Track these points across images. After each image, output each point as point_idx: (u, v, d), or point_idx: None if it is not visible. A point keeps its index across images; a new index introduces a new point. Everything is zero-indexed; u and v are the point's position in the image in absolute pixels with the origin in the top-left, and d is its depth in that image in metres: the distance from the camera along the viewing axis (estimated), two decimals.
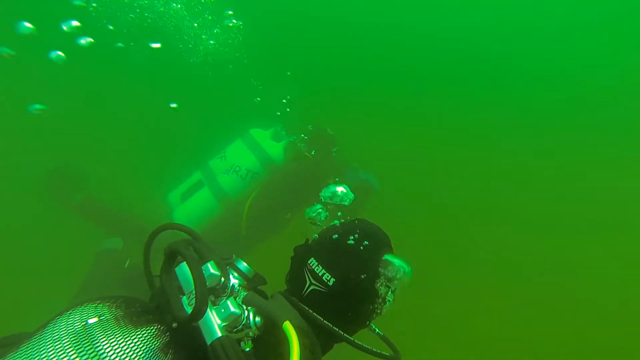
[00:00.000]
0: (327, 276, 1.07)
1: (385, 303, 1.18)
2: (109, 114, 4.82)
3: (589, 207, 4.98)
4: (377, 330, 1.26)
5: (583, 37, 6.64)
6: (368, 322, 1.17)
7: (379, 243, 1.14)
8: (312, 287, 1.09)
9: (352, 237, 1.13)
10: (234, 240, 2.94)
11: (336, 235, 1.14)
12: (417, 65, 6.16)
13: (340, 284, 1.06)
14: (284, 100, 3.40)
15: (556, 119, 5.90)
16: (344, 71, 5.90)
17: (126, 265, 2.83)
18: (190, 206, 2.96)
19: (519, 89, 6.22)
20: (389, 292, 1.20)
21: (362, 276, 1.08)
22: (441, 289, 3.96)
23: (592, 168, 5.32)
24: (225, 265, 1.01)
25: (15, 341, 0.85)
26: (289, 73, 4.17)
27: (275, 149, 3.04)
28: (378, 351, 1.11)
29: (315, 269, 1.09)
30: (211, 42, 4.12)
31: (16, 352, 0.79)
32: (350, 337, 1.07)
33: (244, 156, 3.03)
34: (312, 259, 1.11)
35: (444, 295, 3.96)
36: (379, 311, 1.18)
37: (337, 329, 1.06)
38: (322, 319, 1.05)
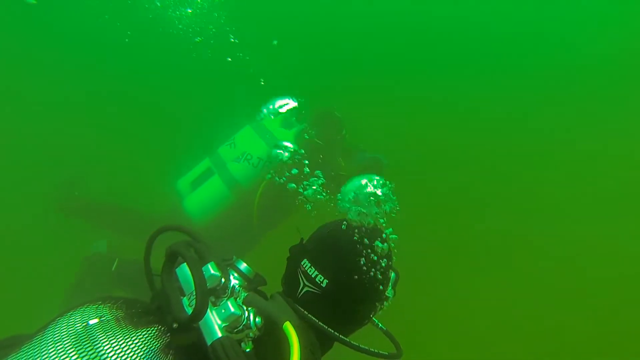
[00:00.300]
0: (320, 278, 1.07)
1: (382, 302, 1.18)
2: (111, 101, 4.77)
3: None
4: (380, 325, 1.26)
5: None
6: (365, 322, 1.17)
7: (372, 242, 1.13)
8: (306, 289, 1.08)
9: (344, 237, 1.12)
10: (246, 228, 2.91)
11: (329, 235, 1.14)
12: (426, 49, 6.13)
13: (333, 286, 1.06)
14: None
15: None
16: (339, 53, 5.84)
17: (113, 269, 2.78)
18: (202, 194, 2.90)
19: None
20: (389, 290, 1.19)
21: (355, 277, 1.07)
22: (444, 284, 3.96)
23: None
24: (226, 266, 1.01)
25: (15, 342, 0.85)
26: (274, 42, 4.07)
27: (286, 136, 2.99)
28: (375, 350, 1.10)
29: (308, 271, 1.09)
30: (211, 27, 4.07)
31: (17, 353, 0.79)
32: (345, 338, 1.07)
33: (255, 143, 2.98)
34: (305, 260, 1.10)
35: (446, 289, 3.95)
36: (375, 310, 1.17)
37: (332, 330, 1.05)
38: (316, 321, 1.05)
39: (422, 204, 4.35)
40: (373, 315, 1.18)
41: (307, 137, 2.99)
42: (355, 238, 1.11)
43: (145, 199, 3.23)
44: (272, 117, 3.14)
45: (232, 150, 3.02)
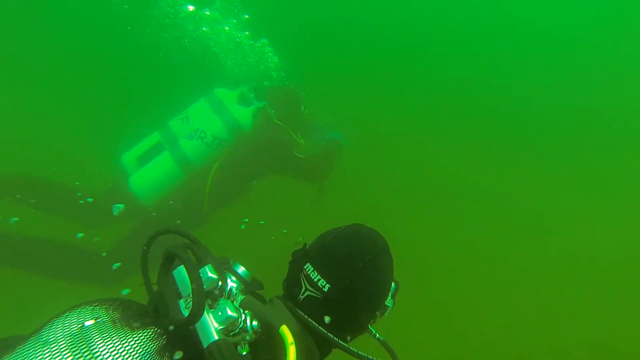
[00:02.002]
0: (322, 282, 1.06)
1: (383, 310, 1.18)
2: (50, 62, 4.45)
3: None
4: (377, 335, 1.26)
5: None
6: (363, 330, 1.17)
7: (376, 249, 1.13)
8: (307, 293, 1.08)
9: (348, 243, 1.12)
10: (195, 208, 2.77)
11: (332, 241, 1.14)
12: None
13: (335, 291, 1.06)
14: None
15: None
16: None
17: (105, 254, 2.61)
18: (150, 172, 2.70)
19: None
20: (388, 298, 1.19)
21: (358, 283, 1.07)
22: (444, 292, 3.95)
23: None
24: (223, 269, 1.01)
25: (10, 343, 0.84)
26: (246, 16, 3.95)
27: (244, 114, 2.80)
28: (373, 358, 1.10)
29: (310, 275, 1.09)
30: None
31: (12, 354, 0.79)
32: (345, 344, 1.06)
33: (210, 120, 2.78)
34: (308, 264, 1.10)
35: (445, 298, 3.95)
36: (376, 318, 1.17)
37: (332, 336, 1.05)
38: (316, 325, 1.05)
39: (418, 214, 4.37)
40: (372, 324, 1.18)
41: (265, 115, 2.86)
42: (362, 249, 1.11)
43: (81, 175, 2.93)
44: (229, 89, 2.97)
45: (184, 125, 2.82)
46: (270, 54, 3.77)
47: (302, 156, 2.99)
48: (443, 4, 6.59)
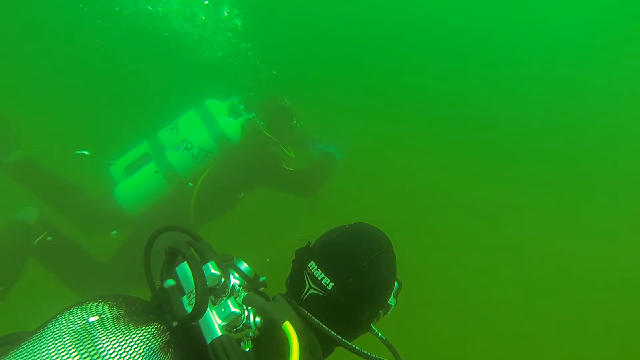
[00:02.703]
0: (327, 280, 1.06)
1: (386, 309, 1.18)
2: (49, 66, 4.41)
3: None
4: (379, 334, 1.26)
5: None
6: (366, 329, 1.17)
7: (380, 248, 1.13)
8: (311, 291, 1.08)
9: (352, 241, 1.12)
10: (180, 221, 2.70)
11: (336, 239, 1.13)
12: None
13: (339, 289, 1.06)
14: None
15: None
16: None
17: (36, 242, 2.52)
18: (135, 182, 2.67)
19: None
20: (391, 297, 1.19)
21: (362, 282, 1.07)
22: (446, 291, 3.95)
23: None
24: (226, 266, 1.01)
25: (15, 339, 0.85)
26: (226, 12, 3.90)
27: (231, 126, 2.78)
28: (378, 357, 1.10)
29: (314, 273, 1.08)
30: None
31: (17, 351, 0.79)
32: (348, 342, 1.07)
33: (197, 131, 2.74)
34: (312, 262, 1.10)
35: (447, 297, 3.96)
36: (379, 316, 1.17)
37: (336, 334, 1.05)
38: (320, 323, 1.05)
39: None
40: (375, 323, 1.18)
41: (254, 127, 2.84)
42: (366, 247, 1.11)
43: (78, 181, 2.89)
44: (220, 101, 2.94)
45: (173, 136, 2.78)
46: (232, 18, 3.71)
47: (291, 169, 2.95)
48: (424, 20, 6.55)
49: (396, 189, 4.40)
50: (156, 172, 2.68)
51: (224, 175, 2.77)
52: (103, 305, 0.91)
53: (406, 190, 4.48)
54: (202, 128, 2.76)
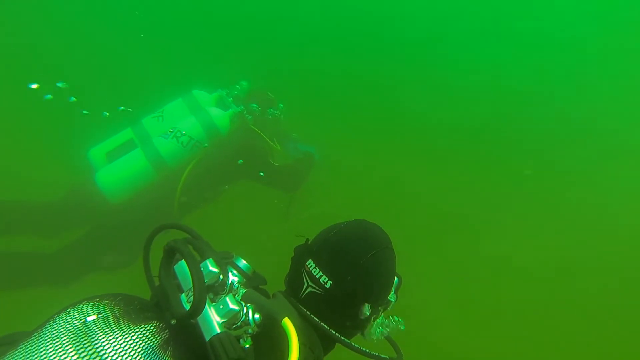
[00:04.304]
0: (324, 279, 1.06)
1: (385, 305, 1.18)
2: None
3: None
4: (380, 330, 1.25)
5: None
6: (369, 324, 1.16)
7: (378, 245, 1.12)
8: (309, 289, 1.08)
9: (350, 239, 1.12)
10: (163, 210, 2.71)
11: (334, 237, 1.13)
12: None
13: (337, 288, 1.05)
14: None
15: None
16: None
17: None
18: (120, 168, 2.60)
19: None
20: (391, 293, 1.19)
21: (360, 280, 1.07)
22: (446, 288, 3.95)
23: None
24: (225, 263, 1.01)
25: (14, 340, 0.85)
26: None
27: (221, 117, 2.78)
28: (376, 354, 1.09)
29: (312, 271, 1.08)
30: None
31: (16, 351, 0.79)
32: (347, 340, 1.06)
33: (187, 121, 2.73)
34: (310, 260, 1.10)
35: (450, 294, 3.95)
36: (379, 313, 1.17)
37: (334, 332, 1.05)
38: (318, 321, 1.04)
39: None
40: (375, 320, 1.18)
41: (242, 120, 2.86)
42: (365, 244, 1.10)
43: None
44: (208, 92, 2.94)
45: (159, 124, 2.75)
46: None
47: (277, 164, 2.97)
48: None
49: (397, 188, 4.41)
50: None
51: (210, 167, 2.78)
52: (101, 304, 0.91)
53: (406, 192, 4.49)
54: (191, 117, 2.75)
